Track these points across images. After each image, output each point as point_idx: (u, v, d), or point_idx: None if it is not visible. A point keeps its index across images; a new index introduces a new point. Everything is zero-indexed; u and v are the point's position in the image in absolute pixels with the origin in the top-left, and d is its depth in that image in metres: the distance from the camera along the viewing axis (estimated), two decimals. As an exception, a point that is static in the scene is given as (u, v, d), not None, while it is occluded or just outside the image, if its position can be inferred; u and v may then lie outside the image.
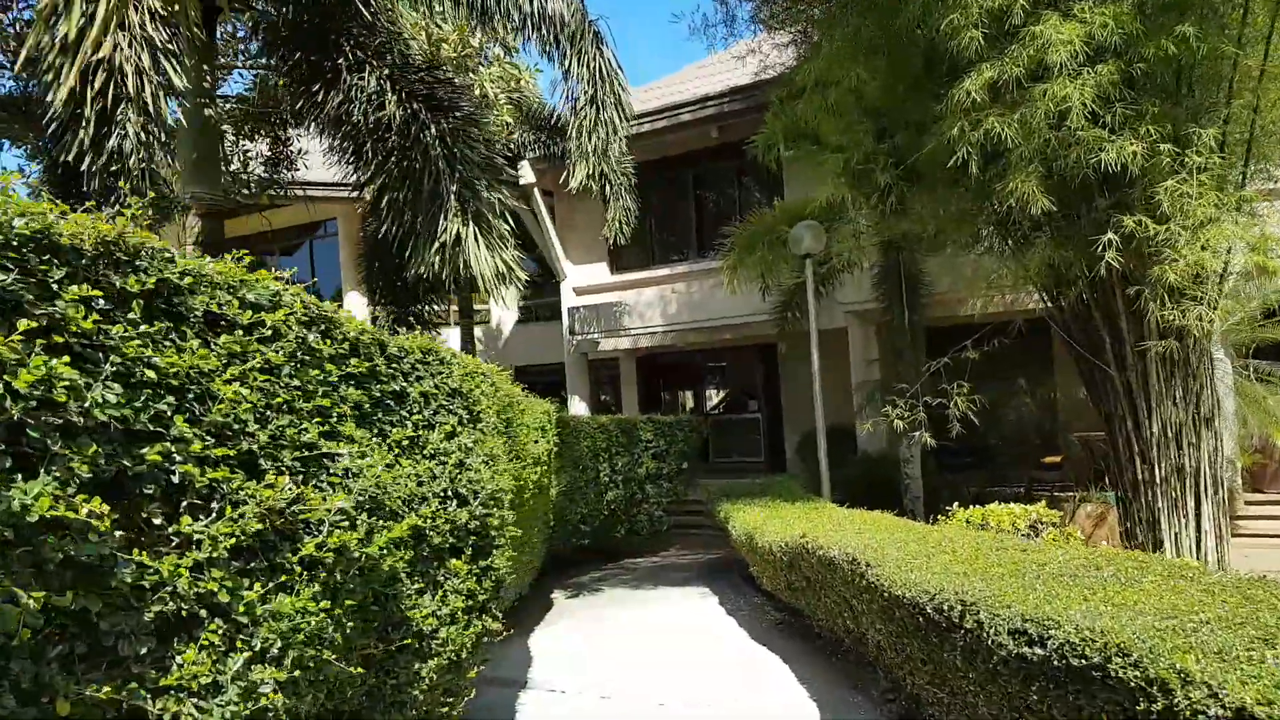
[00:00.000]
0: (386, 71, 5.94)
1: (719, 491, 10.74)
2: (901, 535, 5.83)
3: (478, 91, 9.73)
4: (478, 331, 19.35)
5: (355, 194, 12.93)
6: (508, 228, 6.30)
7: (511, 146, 14.02)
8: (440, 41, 9.57)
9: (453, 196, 5.79)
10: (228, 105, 11.01)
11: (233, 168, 12.17)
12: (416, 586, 3.63)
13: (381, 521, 3.28)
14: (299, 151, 12.20)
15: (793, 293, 12.90)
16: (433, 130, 5.85)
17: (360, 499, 3.16)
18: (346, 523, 2.99)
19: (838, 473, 14.24)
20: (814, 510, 8.29)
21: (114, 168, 4.47)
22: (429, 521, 3.70)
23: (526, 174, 15.58)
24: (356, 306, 16.70)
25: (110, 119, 4.59)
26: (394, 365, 3.85)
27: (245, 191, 12.76)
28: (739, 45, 15.50)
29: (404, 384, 3.89)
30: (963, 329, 13.52)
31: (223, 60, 9.58)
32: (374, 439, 3.54)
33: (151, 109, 4.66)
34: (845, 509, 8.41)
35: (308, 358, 3.19)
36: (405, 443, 3.78)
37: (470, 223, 5.81)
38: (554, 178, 16.52)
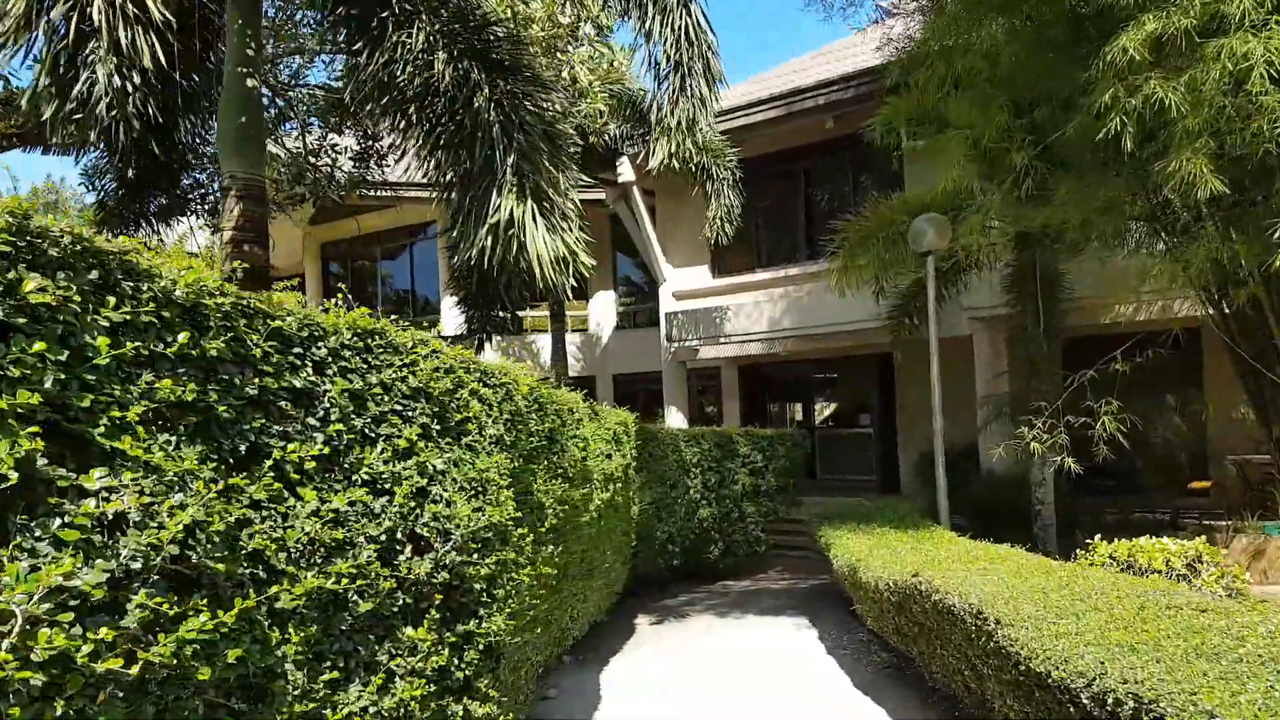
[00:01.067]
0: (437, 27, 5.32)
1: (822, 514, 9.73)
2: (1038, 580, 4.75)
3: (566, 74, 9.10)
4: (586, 339, 18.89)
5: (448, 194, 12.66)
6: (573, 206, 5.58)
7: (607, 139, 13.40)
8: (528, 20, 9.02)
9: (509, 170, 5.13)
10: (308, 92, 10.84)
11: (321, 163, 12.02)
12: (328, 678, 2.64)
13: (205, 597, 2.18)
14: (390, 146, 11.94)
15: (911, 296, 11.72)
16: (486, 92, 5.17)
17: (133, 561, 1.99)
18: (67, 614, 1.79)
19: (958, 495, 12.98)
20: (929, 540, 7.20)
21: (78, 116, 4.03)
22: (353, 580, 2.72)
23: (625, 171, 14.96)
24: (451, 314, 16.51)
25: (75, 58, 4.14)
26: (289, 350, 2.82)
27: (338, 193, 12.60)
28: (856, 35, 14.47)
29: (312, 378, 2.86)
30: (1101, 340, 12.06)
31: (306, 45, 9.39)
32: (217, 458, 2.41)
33: (126, 47, 4.18)
34: (966, 539, 7.29)
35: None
36: (310, 465, 2.77)
37: (528, 199, 5.13)
38: (657, 173, 15.88)
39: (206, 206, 13.60)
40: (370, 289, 20.75)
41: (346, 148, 11.90)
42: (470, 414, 3.59)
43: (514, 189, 5.14)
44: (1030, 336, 11.18)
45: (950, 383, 14.72)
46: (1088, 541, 7.70)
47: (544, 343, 18.75)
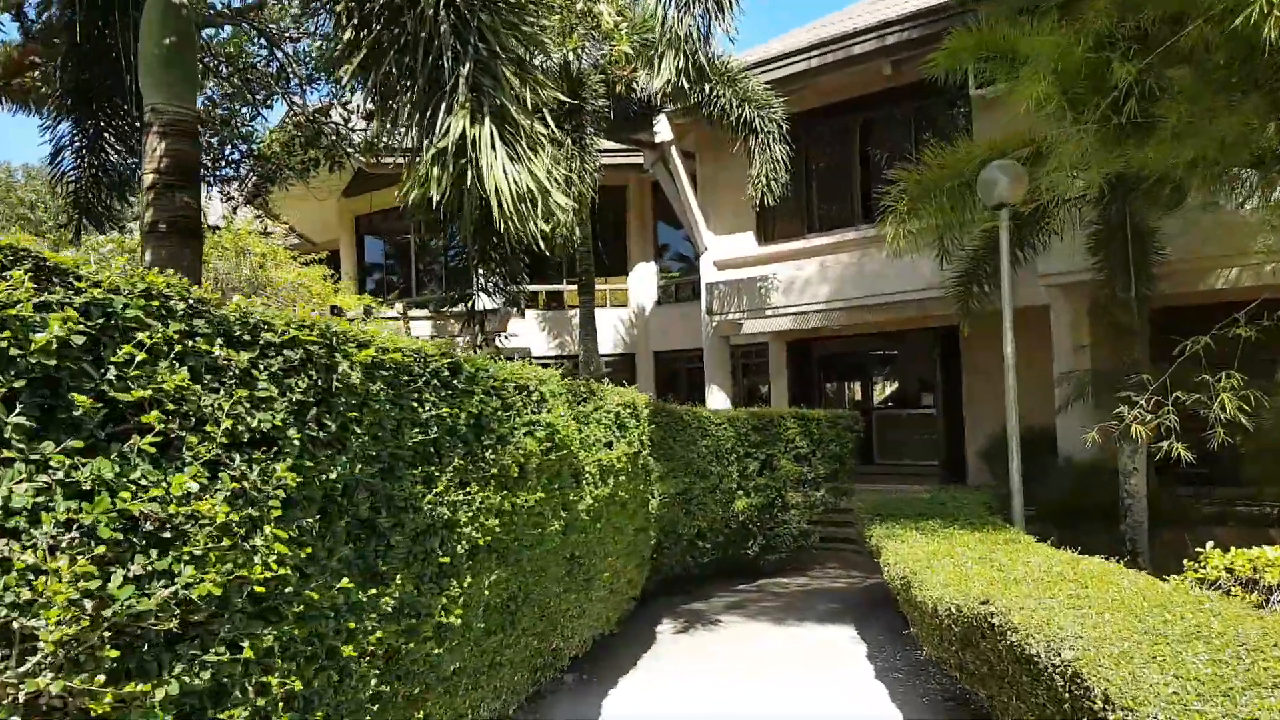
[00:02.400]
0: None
1: (874, 507, 8.48)
2: (1156, 622, 3.50)
3: (581, 5, 7.94)
4: (624, 314, 17.82)
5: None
6: (545, 133, 4.46)
7: (637, 90, 12.18)
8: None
9: (462, 82, 4.03)
10: (311, 44, 9.89)
11: (329, 123, 11.10)
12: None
13: None
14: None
15: (979, 259, 10.30)
16: (434, -15, 4.10)
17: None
18: None
19: (1032, 486, 11.62)
20: (1000, 546, 5.95)
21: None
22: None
23: (662, 130, 13.75)
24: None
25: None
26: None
27: (353, 155, 11.69)
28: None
29: None
30: (1198, 310, 10.50)
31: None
32: None
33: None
34: (1045, 546, 6.02)
35: None
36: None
37: (485, 119, 4.03)
38: (697, 134, 14.63)
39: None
40: (402, 263, 19.97)
41: (358, 106, 10.95)
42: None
43: (467, 107, 4.05)
44: (1119, 304, 9.70)
45: (1023, 359, 13.18)
46: (1198, 551, 6.32)
47: (597, 317, 17.74)
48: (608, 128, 13.02)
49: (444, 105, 4.26)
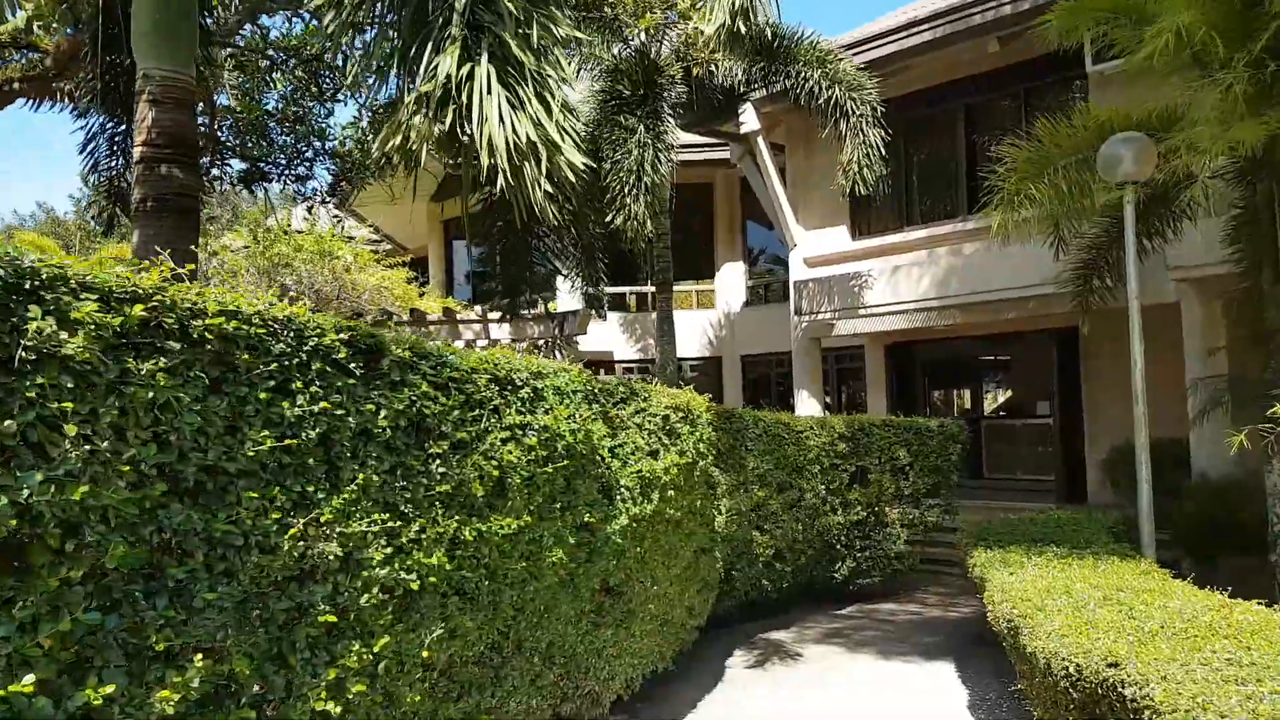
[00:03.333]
0: None
1: (978, 530, 7.50)
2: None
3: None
4: (710, 316, 17.11)
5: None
6: (555, 76, 3.78)
7: (719, 75, 11.44)
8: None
9: (455, 16, 3.40)
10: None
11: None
12: None
13: None
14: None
15: (1099, 248, 9.12)
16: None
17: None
18: None
19: (1161, 506, 10.32)
20: (1132, 581, 4.97)
21: None
22: None
23: (748, 119, 12.97)
24: (571, 293, 15.19)
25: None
26: None
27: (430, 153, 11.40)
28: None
29: None
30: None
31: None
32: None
33: None
34: (1187, 584, 5.00)
35: None
36: None
37: (483, 57, 3.39)
38: (787, 124, 13.81)
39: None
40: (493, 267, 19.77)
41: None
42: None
43: (458, 43, 3.43)
44: (1270, 297, 8.37)
45: (1151, 363, 11.76)
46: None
47: (682, 320, 17.11)
48: (690, 119, 12.37)
49: (432, 42, 3.64)
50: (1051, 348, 13.04)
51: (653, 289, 17.15)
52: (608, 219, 9.79)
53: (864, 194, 10.73)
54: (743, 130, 13.15)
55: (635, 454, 4.63)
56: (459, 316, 15.55)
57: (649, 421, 4.88)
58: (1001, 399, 17.50)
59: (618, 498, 4.42)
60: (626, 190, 9.66)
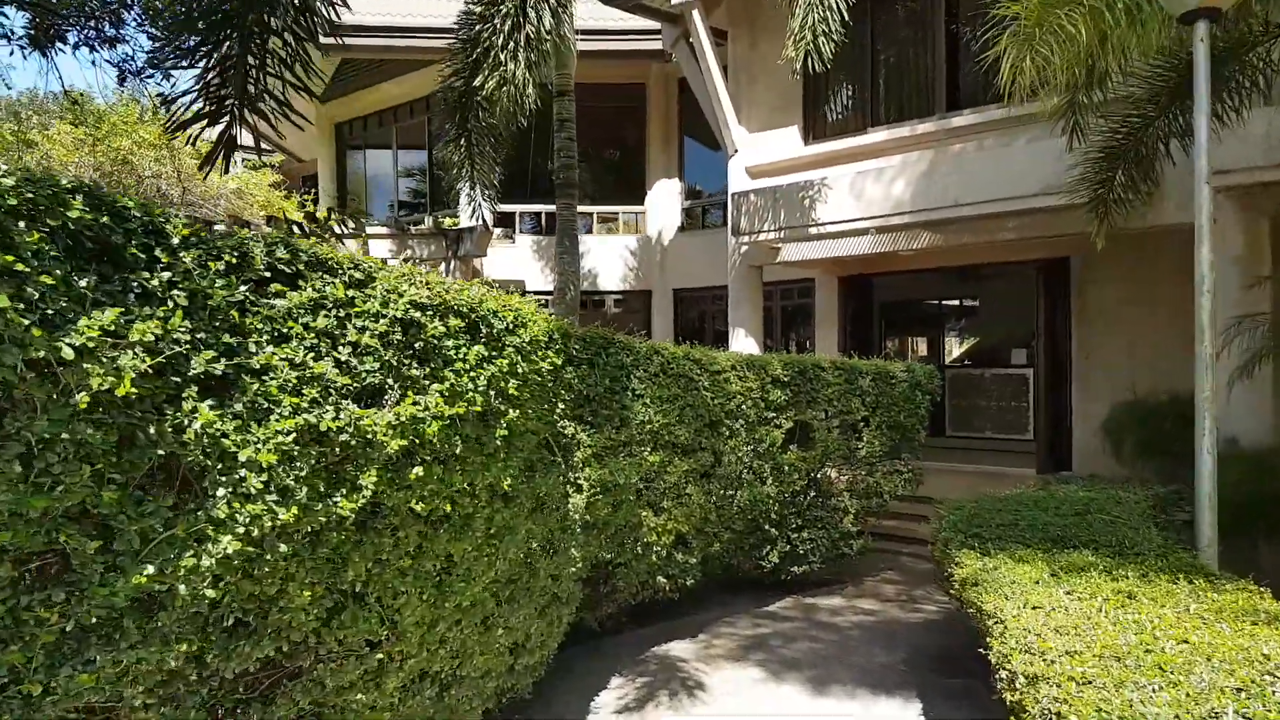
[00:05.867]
0: None
1: (958, 514, 5.27)
2: None
3: None
4: (640, 242, 14.62)
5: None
6: None
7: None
8: None
9: None
10: None
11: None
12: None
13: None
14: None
15: (1133, 130, 6.82)
16: None
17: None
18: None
19: (1180, 475, 8.27)
20: (1207, 620, 2.76)
21: None
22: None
23: (682, -12, 10.39)
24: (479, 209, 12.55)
25: None
26: None
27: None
28: None
29: None
30: None
31: None
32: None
33: None
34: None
35: None
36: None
37: None
38: (729, 2, 11.26)
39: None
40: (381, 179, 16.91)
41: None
42: None
43: None
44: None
45: (1165, 301, 9.74)
46: None
47: (604, 246, 14.59)
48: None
49: None
50: (1036, 283, 10.84)
51: (596, 208, 14.60)
52: (476, 82, 7.22)
53: (819, 71, 8.26)
54: (675, 0, 10.57)
55: (292, 395, 2.24)
56: (335, 230, 12.88)
57: (356, 329, 2.47)
58: (968, 345, 15.45)
59: (219, 491, 2.06)
60: (500, 44, 7.08)
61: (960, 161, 9.03)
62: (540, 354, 3.38)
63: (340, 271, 2.52)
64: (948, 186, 8.96)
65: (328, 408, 2.37)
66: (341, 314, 2.50)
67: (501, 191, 14.81)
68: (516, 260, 14.05)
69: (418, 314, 2.70)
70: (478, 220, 11.70)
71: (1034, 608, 3.27)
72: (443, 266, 12.73)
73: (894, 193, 9.34)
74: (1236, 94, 5.99)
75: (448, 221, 11.73)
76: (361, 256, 2.69)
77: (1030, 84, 5.06)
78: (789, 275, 12.64)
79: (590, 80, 13.43)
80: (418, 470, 2.64)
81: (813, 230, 9.98)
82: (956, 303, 15.34)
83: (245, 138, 6.88)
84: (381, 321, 2.61)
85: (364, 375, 2.51)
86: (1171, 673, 2.49)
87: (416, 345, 2.75)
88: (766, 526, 6.65)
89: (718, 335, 13.84)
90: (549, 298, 14.26)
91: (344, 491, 2.42)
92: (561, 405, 3.97)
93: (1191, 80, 4.80)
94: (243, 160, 16.65)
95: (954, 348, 15.68)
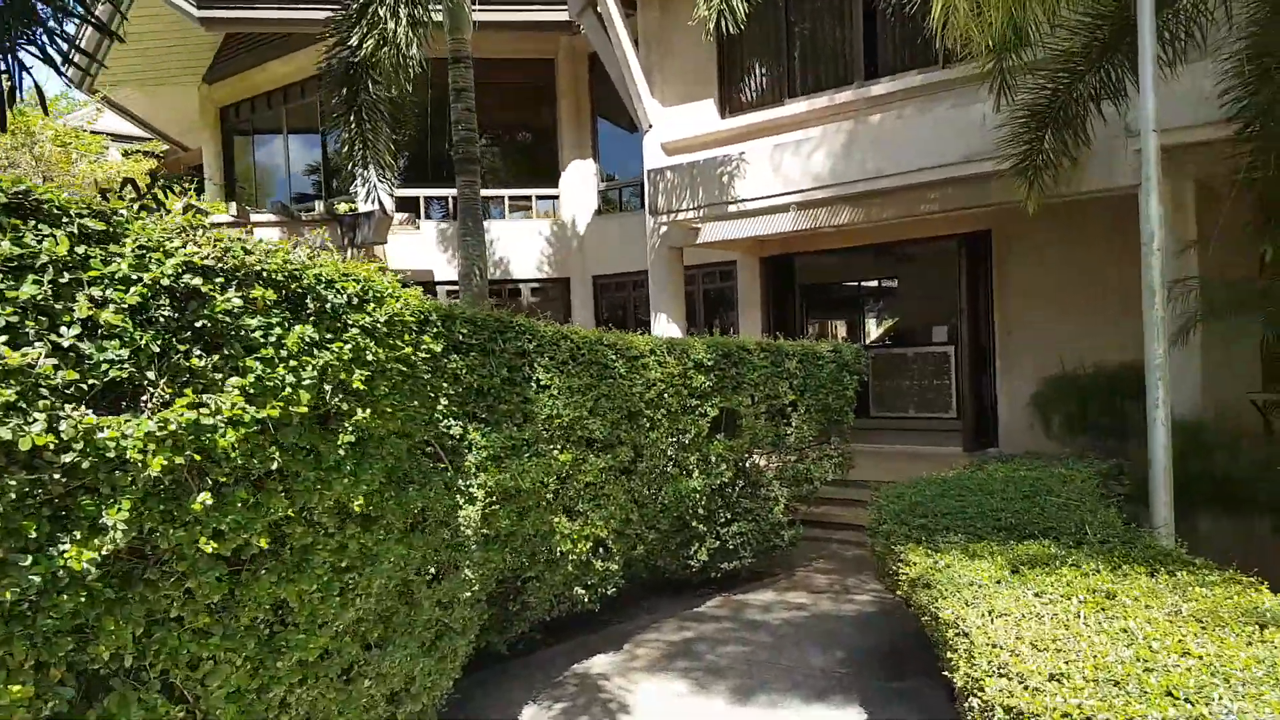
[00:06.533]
0: None
1: (897, 503, 4.84)
2: None
3: None
4: (545, 227, 13.93)
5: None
6: None
7: None
8: None
9: None
10: None
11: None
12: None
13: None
14: None
15: (1059, 89, 6.50)
16: None
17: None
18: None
19: (1111, 448, 8.16)
20: (1242, 622, 2.34)
21: None
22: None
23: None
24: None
25: None
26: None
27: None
28: None
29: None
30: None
31: None
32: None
33: None
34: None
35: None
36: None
37: None
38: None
39: None
40: (274, 166, 15.74)
41: None
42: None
43: None
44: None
45: (1092, 270, 9.59)
46: None
47: (517, 231, 13.85)
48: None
49: None
50: (958, 258, 10.64)
51: (488, 192, 13.81)
52: (353, 40, 6.46)
53: (734, 35, 7.79)
54: (581, -34, 9.95)
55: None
56: (213, 218, 11.84)
57: (91, 301, 1.78)
58: (891, 325, 15.28)
59: None
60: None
61: (881, 131, 8.68)
62: (407, 338, 2.75)
63: (67, 220, 1.84)
64: (868, 158, 8.59)
65: (35, 415, 1.70)
66: (65, 279, 1.83)
67: (405, 175, 13.99)
68: (423, 249, 13.23)
69: (198, 281, 2.04)
70: (375, 204, 10.86)
71: (1000, 615, 2.81)
72: (344, 259, 11.85)
73: (814, 166, 8.94)
74: (1171, 45, 5.71)
75: (342, 207, 10.84)
76: (115, 204, 2.00)
77: (964, 24, 4.63)
78: (711, 258, 12.19)
79: (496, 56, 12.68)
80: (204, 497, 1.99)
81: (732, 208, 9.52)
82: (879, 282, 15.16)
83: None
84: (134, 291, 1.94)
85: (105, 368, 1.84)
86: (1185, 700, 2.04)
87: (198, 325, 2.09)
88: (694, 523, 6.13)
89: (641, 324, 13.31)
90: (458, 287, 13.50)
91: (78, 535, 1.75)
92: (445, 401, 3.35)
93: (1122, 33, 4.48)
94: (115, 146, 15.34)
95: (877, 328, 15.51)
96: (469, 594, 3.55)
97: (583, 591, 5.04)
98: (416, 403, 2.90)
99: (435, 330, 3.05)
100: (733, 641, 5.67)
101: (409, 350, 2.76)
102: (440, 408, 3.31)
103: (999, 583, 3.16)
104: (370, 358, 2.50)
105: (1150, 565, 3.23)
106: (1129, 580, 3.05)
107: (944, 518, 4.26)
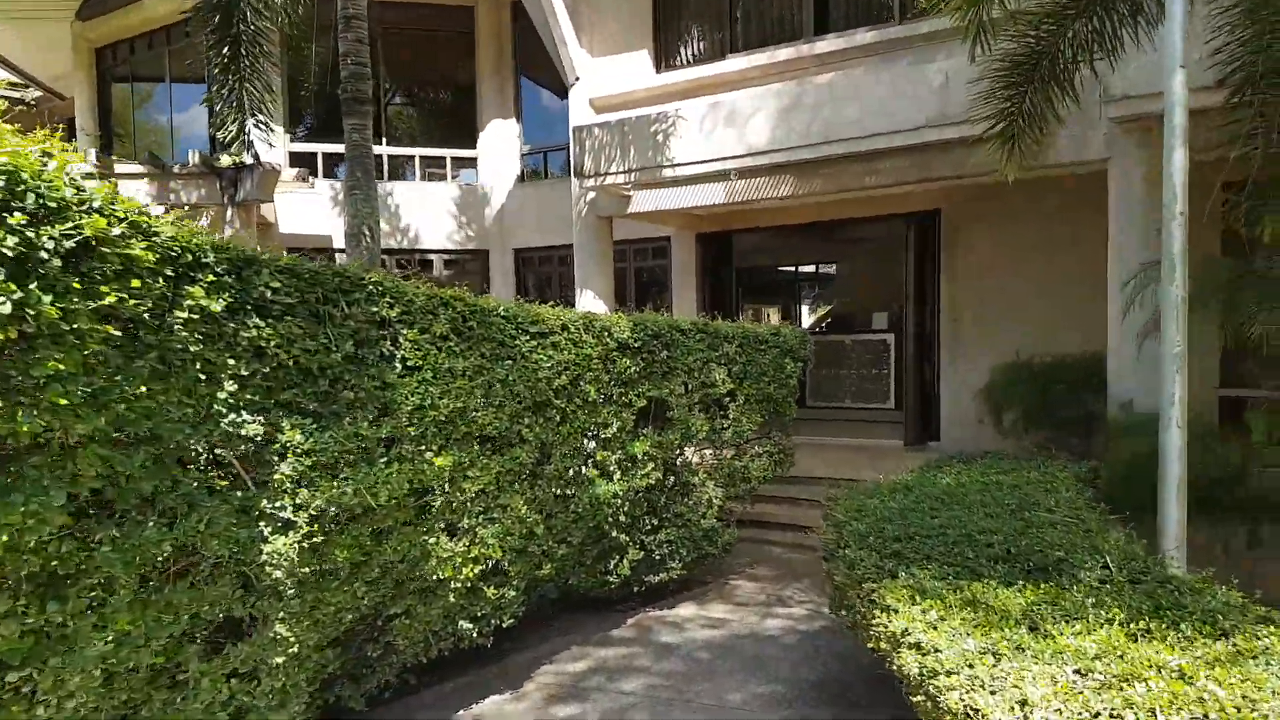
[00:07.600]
0: None
1: (863, 528, 3.97)
2: None
3: None
4: (459, 193, 12.73)
5: None
6: None
7: None
8: None
9: None
10: None
11: None
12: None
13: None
14: None
15: (1049, 35, 5.69)
16: None
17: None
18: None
19: (1069, 444, 7.51)
20: None
21: None
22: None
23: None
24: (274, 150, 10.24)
25: None
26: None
27: None
28: None
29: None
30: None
31: None
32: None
33: None
34: None
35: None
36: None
37: None
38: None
39: None
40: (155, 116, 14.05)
41: None
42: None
43: None
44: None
45: (1045, 255, 8.96)
46: None
47: (429, 195, 12.60)
48: None
49: None
50: (905, 239, 9.90)
51: (392, 149, 12.53)
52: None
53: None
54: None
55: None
56: (73, 168, 10.27)
57: None
58: (832, 309, 14.60)
59: None
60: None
61: (830, 93, 7.79)
62: (141, 284, 1.73)
63: None
64: (814, 122, 7.71)
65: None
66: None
67: (308, 129, 12.62)
68: (320, 212, 11.88)
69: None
70: (254, 157, 9.52)
71: (1036, 708, 1.92)
72: (224, 218, 10.45)
73: (755, 129, 8.03)
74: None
75: (225, 160, 9.49)
76: None
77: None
78: (643, 232, 11.22)
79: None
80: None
81: (667, 171, 8.55)
82: (820, 263, 14.44)
83: None
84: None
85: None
86: None
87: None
88: (614, 533, 5.18)
89: (568, 303, 12.26)
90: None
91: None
92: (233, 386, 2.32)
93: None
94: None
95: (817, 312, 14.82)
96: (285, 656, 2.53)
97: (470, 625, 4.03)
98: (166, 391, 1.87)
99: (212, 279, 2.02)
100: (635, 672, 4.74)
101: (146, 303, 1.72)
102: (223, 397, 2.27)
103: (1020, 649, 2.29)
104: (33, 312, 1.48)
105: (1211, 619, 2.41)
106: (1197, 646, 2.21)
107: (922, 542, 3.40)
